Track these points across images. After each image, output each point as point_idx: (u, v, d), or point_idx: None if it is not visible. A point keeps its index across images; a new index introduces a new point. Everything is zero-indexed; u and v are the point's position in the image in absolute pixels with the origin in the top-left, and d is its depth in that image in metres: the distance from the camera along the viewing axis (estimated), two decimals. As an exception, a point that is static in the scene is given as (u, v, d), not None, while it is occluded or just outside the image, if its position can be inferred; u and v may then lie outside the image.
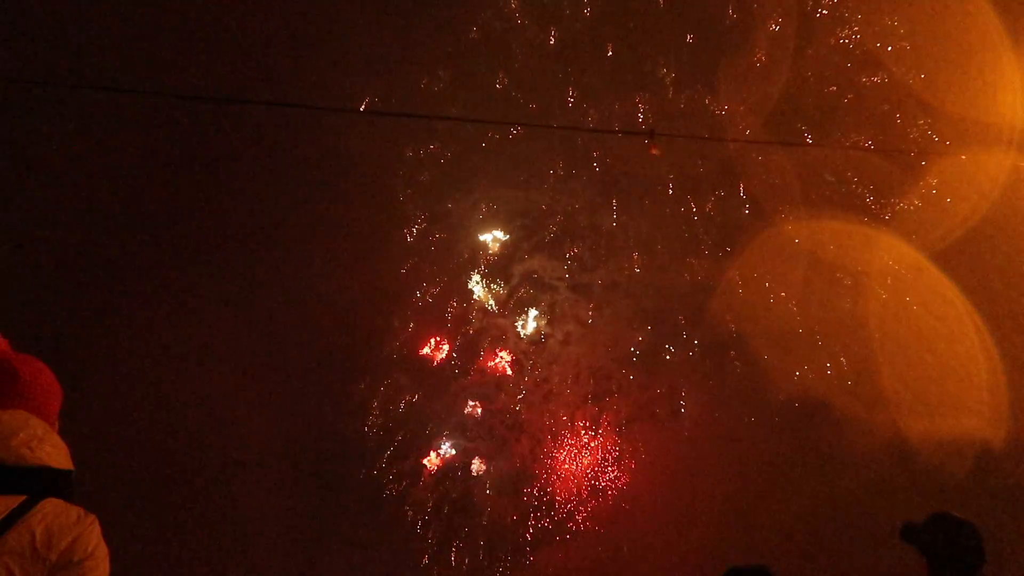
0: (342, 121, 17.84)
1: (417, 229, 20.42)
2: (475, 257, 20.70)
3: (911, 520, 3.96)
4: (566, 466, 19.77)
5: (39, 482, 2.20)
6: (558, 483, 19.66)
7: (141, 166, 18.59)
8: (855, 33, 17.52)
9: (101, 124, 17.16)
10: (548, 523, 19.41)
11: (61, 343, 15.72)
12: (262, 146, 19.05)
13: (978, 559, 3.82)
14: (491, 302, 20.61)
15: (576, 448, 19.80)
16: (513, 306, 20.51)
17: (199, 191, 19.31)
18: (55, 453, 2.28)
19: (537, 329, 20.41)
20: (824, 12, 17.96)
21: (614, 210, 20.02)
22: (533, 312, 20.44)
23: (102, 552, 2.20)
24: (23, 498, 2.14)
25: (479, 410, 20.30)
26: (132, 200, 18.72)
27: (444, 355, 20.55)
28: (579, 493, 19.50)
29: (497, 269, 20.61)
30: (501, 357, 20.53)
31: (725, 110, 18.77)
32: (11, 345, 2.57)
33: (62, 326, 16.73)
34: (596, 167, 20.00)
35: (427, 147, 20.17)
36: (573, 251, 20.27)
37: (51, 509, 2.16)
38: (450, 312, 20.59)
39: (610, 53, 19.53)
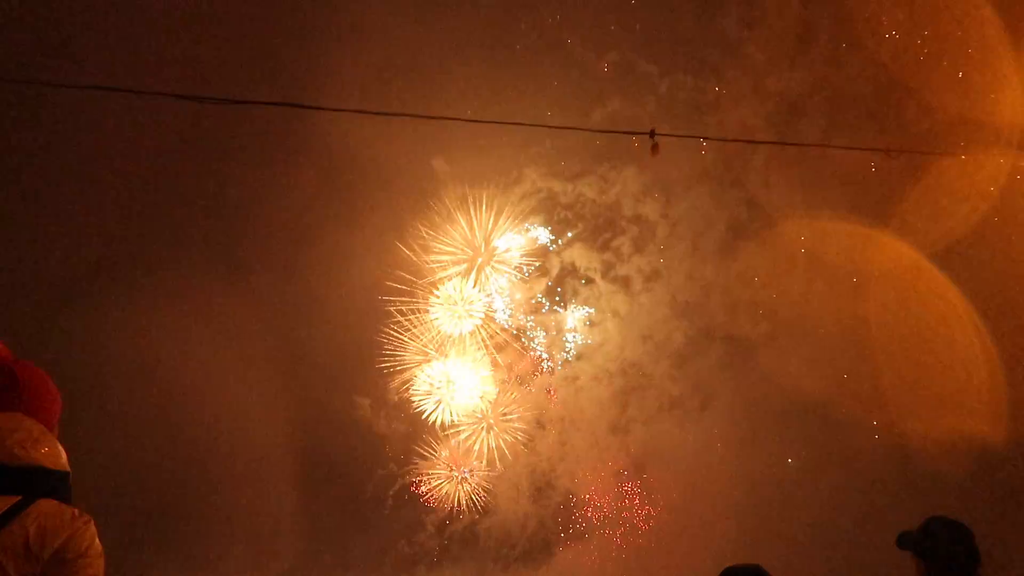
0: (365, 121, 17.79)
1: (437, 228, 20.38)
2: (501, 254, 20.65)
3: (906, 530, 4.01)
4: (590, 464, 19.83)
5: (34, 482, 2.23)
6: (581, 482, 19.77)
7: (146, 167, 18.58)
8: (856, 33, 17.54)
9: (102, 124, 17.17)
10: (566, 523, 19.56)
11: (62, 347, 15.72)
12: (277, 146, 19.00)
13: (973, 560, 3.84)
14: (518, 299, 20.57)
15: (602, 446, 19.83)
16: (543, 302, 20.54)
17: (206, 192, 19.32)
18: (50, 454, 2.31)
19: (572, 324, 20.41)
20: (824, 13, 18.00)
21: (634, 210, 20.12)
22: (570, 307, 20.45)
23: (96, 551, 2.23)
24: (18, 498, 2.17)
25: (503, 408, 20.22)
26: (136, 203, 18.73)
27: (470, 350, 20.43)
28: (600, 492, 19.60)
29: (522, 267, 20.58)
30: (529, 352, 20.50)
31: (729, 111, 18.84)
32: (11, 350, 2.59)
33: (62, 330, 16.72)
34: (617, 166, 20.09)
35: (445, 147, 20.13)
36: (605, 246, 20.30)
37: (45, 509, 2.19)
38: (475, 309, 20.52)
39: (618, 54, 19.59)
